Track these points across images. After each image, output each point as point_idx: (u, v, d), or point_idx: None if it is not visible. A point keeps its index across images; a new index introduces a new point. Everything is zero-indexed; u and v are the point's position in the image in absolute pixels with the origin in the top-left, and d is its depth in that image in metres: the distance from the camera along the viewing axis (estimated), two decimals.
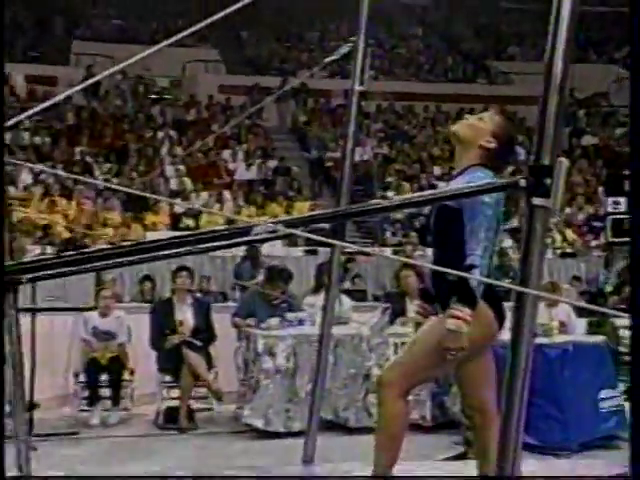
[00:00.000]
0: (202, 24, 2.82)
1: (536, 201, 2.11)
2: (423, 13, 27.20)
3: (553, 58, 2.16)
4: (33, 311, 6.32)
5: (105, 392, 7.64)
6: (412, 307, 7.48)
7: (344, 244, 4.33)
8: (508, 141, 3.59)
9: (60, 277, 7.51)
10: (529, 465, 2.34)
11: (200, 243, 4.05)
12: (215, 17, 2.83)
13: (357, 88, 4.57)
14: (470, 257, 3.25)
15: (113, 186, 16.16)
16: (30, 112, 3.16)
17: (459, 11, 26.52)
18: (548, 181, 2.11)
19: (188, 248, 4.35)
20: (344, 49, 4.70)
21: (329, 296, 4.60)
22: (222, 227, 2.97)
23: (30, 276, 2.58)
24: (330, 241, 4.19)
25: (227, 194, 16.16)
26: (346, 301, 8.12)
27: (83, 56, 21.59)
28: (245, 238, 2.72)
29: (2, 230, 3.41)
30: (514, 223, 13.49)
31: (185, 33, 2.85)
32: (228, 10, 2.85)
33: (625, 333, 7.56)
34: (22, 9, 21.91)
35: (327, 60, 5.27)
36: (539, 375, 4.91)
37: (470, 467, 5.15)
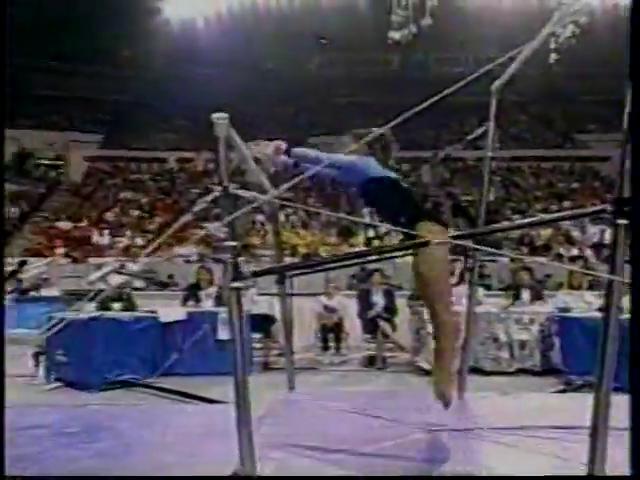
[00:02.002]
0: (397, 120, 2.87)
1: (619, 221, 2.10)
2: (526, 106, 26.15)
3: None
4: (292, 295, 6.65)
5: (331, 344, 7.93)
6: (525, 294, 7.26)
7: (494, 251, 4.31)
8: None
9: (302, 275, 7.84)
10: None
11: (386, 253, 4.22)
12: (406, 115, 2.89)
13: (489, 154, 4.54)
14: None
15: (337, 215, 16.50)
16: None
17: (554, 104, 25.31)
18: (627, 208, 2.09)
19: (381, 256, 4.53)
20: (481, 129, 4.67)
21: (472, 286, 4.58)
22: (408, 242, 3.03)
23: (257, 271, 2.68)
24: (486, 249, 4.18)
25: None
26: (480, 290, 7.92)
27: None
28: (425, 246, 2.84)
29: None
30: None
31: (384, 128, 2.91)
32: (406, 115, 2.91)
33: None
34: None
35: (470, 137, 5.23)
36: None
37: (566, 398, 4.96)
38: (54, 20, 19.07)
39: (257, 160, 2.98)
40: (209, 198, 2.47)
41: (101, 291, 3.23)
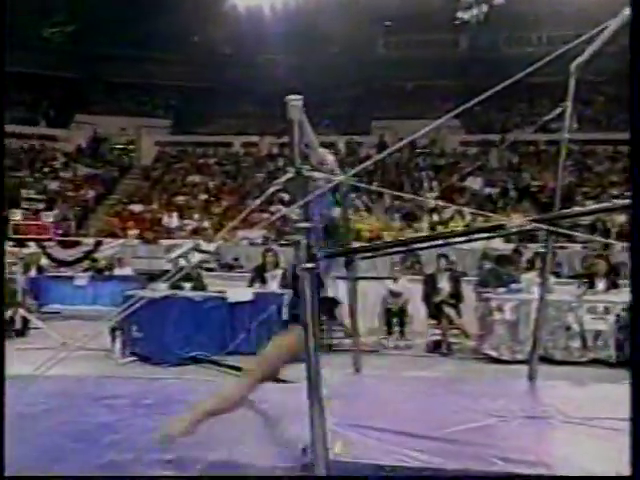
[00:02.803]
0: (463, 106, 2.73)
1: None
2: (601, 86, 24.87)
3: None
4: (357, 278, 6.65)
5: (396, 328, 7.90)
6: (600, 283, 6.98)
7: (576, 234, 4.15)
8: None
9: (367, 258, 7.78)
10: None
11: (463, 236, 4.11)
12: (477, 99, 2.79)
13: (566, 136, 4.35)
14: None
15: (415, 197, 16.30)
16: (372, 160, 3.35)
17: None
18: None
19: (453, 240, 4.43)
20: (558, 110, 4.48)
21: (544, 273, 4.44)
22: (485, 224, 2.95)
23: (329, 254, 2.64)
24: (569, 232, 4.04)
25: (465, 209, 15.92)
26: (551, 278, 7.69)
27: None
28: (503, 231, 2.76)
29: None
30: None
31: (452, 113, 2.79)
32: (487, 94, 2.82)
33: None
34: None
35: (546, 118, 5.03)
36: None
37: None
38: (124, 8, 19.61)
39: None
40: (282, 179, 2.49)
41: (182, 269, 3.32)
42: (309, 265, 2.44)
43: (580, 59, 3.86)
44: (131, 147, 22.96)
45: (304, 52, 21.35)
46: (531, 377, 4.22)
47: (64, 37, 22.44)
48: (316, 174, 2.41)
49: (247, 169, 20.75)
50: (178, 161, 21.78)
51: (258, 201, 2.72)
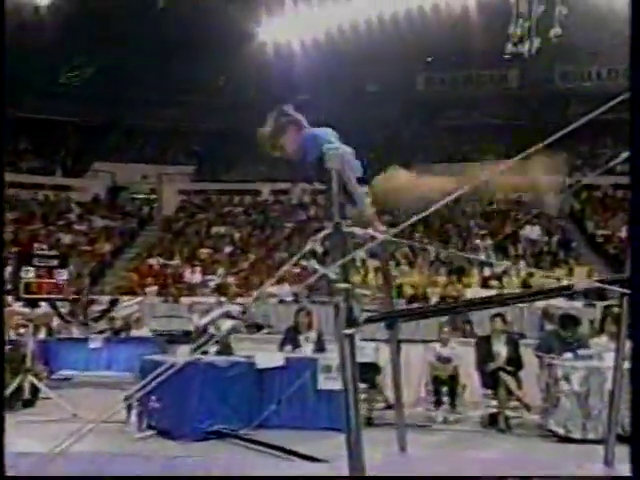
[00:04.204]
0: (519, 156, 2.78)
1: None
2: None
3: None
4: (400, 341, 6.57)
5: (445, 399, 7.68)
6: None
7: None
8: None
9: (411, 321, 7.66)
10: None
11: (521, 299, 4.04)
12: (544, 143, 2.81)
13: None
14: None
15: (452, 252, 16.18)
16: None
17: None
18: None
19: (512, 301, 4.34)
20: (624, 155, 4.44)
21: (620, 338, 4.30)
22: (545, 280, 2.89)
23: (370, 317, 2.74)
24: None
25: (522, 263, 15.72)
26: (627, 342, 7.44)
27: None
28: (568, 292, 2.71)
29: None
30: None
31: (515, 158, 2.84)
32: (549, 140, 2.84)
33: None
34: None
35: (609, 164, 5.02)
36: None
37: None
38: (145, 50, 20.42)
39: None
40: (320, 236, 2.49)
41: (212, 337, 3.32)
42: (349, 331, 2.42)
43: None
44: (152, 197, 23.51)
45: (338, 92, 21.80)
46: (608, 461, 4.04)
47: (82, 81, 23.45)
48: (356, 230, 2.41)
49: (276, 219, 21.00)
50: (202, 211, 22.19)
51: (294, 259, 2.73)
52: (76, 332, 11.37)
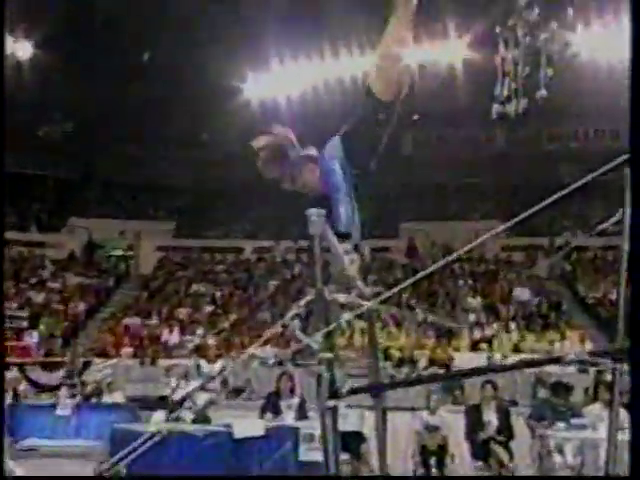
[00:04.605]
0: (519, 218, 2.81)
1: None
2: None
3: None
4: (386, 409, 6.48)
5: (433, 470, 7.54)
6: None
7: None
8: None
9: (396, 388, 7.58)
10: None
11: (513, 369, 4.04)
12: (526, 214, 2.82)
13: (625, 247, 4.35)
14: None
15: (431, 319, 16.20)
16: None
17: None
18: None
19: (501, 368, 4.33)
20: (616, 218, 4.52)
21: (613, 408, 4.26)
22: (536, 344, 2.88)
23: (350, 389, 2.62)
24: None
25: (512, 324, 15.76)
26: (621, 412, 7.40)
27: None
28: (559, 363, 2.71)
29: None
30: None
31: (509, 224, 2.85)
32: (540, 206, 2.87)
33: None
34: None
35: (601, 227, 5.08)
36: None
37: None
38: (125, 104, 20.71)
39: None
40: (302, 303, 2.50)
41: (188, 409, 3.27)
42: (331, 403, 2.39)
43: None
44: (129, 253, 23.41)
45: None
46: None
47: (60, 135, 23.61)
48: (340, 297, 2.42)
49: (259, 277, 20.95)
50: (181, 268, 22.10)
51: (278, 327, 2.72)
52: (44, 397, 11.11)
